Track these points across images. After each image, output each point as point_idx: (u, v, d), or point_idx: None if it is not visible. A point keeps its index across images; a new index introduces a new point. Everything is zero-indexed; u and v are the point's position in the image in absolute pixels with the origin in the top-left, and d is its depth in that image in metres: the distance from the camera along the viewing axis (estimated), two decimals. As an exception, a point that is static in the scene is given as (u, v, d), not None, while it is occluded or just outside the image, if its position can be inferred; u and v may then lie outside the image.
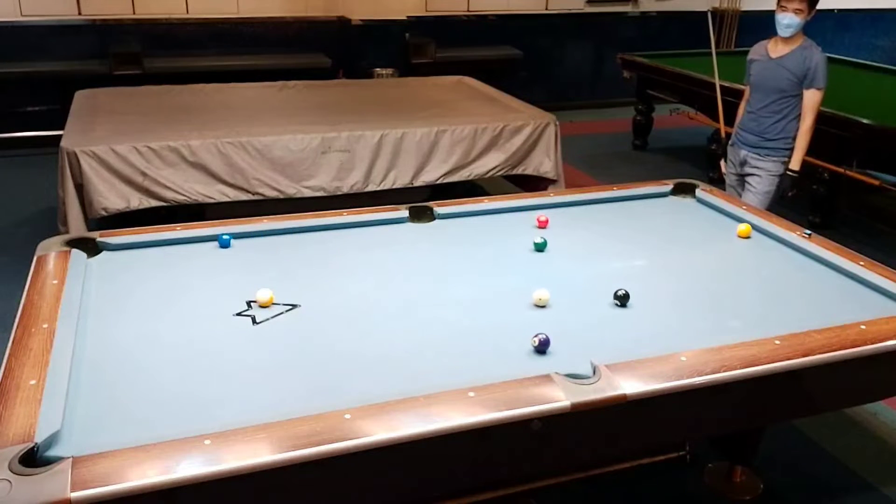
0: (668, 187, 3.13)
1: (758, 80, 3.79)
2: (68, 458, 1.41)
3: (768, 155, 3.76)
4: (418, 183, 4.34)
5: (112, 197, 3.80)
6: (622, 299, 2.15)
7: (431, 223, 2.77)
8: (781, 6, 3.56)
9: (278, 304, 2.12)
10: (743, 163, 3.87)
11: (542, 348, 1.88)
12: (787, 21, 3.55)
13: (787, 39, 3.63)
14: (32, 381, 1.65)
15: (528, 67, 7.80)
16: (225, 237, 2.50)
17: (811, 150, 3.79)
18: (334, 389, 1.72)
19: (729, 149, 4.01)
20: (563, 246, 2.58)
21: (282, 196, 4.07)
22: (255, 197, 4.04)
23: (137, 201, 3.85)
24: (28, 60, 6.30)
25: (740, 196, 3.82)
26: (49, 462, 1.41)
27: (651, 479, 2.65)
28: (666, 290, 2.26)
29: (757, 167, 3.80)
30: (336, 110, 4.77)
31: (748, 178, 3.86)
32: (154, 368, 1.82)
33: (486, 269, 2.40)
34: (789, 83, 3.65)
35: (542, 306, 2.13)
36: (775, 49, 3.71)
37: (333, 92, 5.42)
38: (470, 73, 5.94)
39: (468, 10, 7.74)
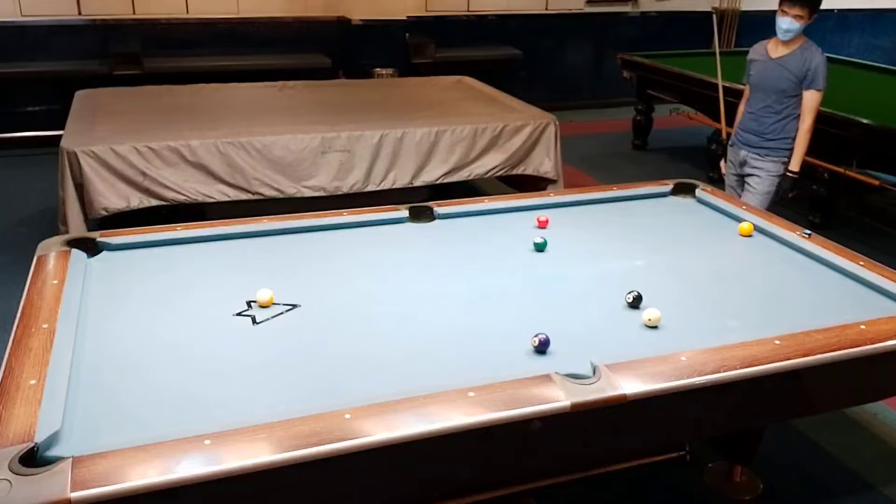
0: (668, 187, 3.13)
1: (758, 80, 3.79)
2: (68, 458, 1.41)
3: (768, 155, 3.76)
4: (418, 183, 4.33)
5: (112, 197, 3.80)
6: (636, 300, 2.14)
7: (431, 223, 2.77)
8: (782, 10, 3.57)
9: (278, 304, 2.12)
10: (743, 163, 3.87)
11: (542, 348, 1.88)
12: (787, 26, 3.56)
13: (787, 41, 3.64)
14: (32, 381, 1.65)
15: (528, 67, 7.80)
16: None
17: (811, 150, 3.79)
18: (334, 389, 1.73)
19: (729, 149, 4.01)
20: (563, 246, 2.58)
21: (282, 196, 4.07)
22: (255, 197, 4.04)
23: (137, 201, 3.85)
24: (28, 60, 6.30)
25: (740, 197, 3.82)
26: (49, 462, 1.41)
27: (651, 479, 2.65)
28: (666, 290, 2.26)
29: (757, 167, 3.80)
30: (336, 110, 4.76)
31: (748, 179, 3.86)
32: (154, 368, 1.82)
33: (486, 269, 2.40)
34: (789, 83, 3.65)
35: (654, 326, 2.05)
36: (775, 50, 3.72)
37: (333, 92, 5.42)
38: (470, 73, 5.93)
39: (468, 10, 7.74)
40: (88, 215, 3.81)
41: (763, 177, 3.78)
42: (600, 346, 1.89)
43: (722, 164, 4.12)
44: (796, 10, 3.52)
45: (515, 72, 7.61)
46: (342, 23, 7.14)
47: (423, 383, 1.69)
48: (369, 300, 2.19)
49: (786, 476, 2.75)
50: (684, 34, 8.13)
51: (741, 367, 1.80)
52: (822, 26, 7.97)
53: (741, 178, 3.93)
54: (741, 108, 3.97)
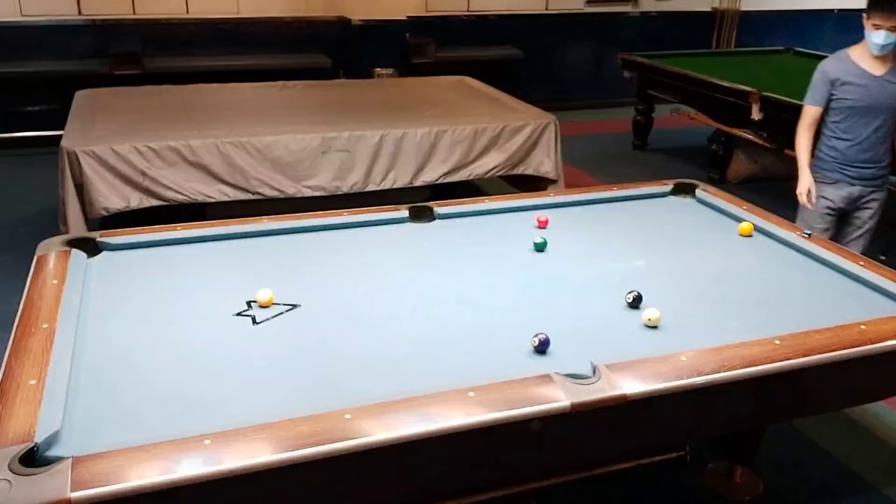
0: (668, 187, 3.13)
1: (864, 102, 3.35)
2: (68, 458, 1.41)
3: (884, 184, 3.48)
4: (418, 183, 4.34)
5: (112, 197, 3.80)
6: (636, 300, 2.13)
7: (431, 223, 2.77)
8: (875, 25, 3.24)
9: (278, 304, 2.12)
10: (854, 199, 3.47)
11: (542, 348, 1.88)
12: (884, 40, 3.25)
13: (884, 56, 3.33)
14: (32, 381, 1.65)
15: (528, 67, 7.79)
16: None
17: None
18: (334, 389, 1.72)
19: (824, 186, 3.48)
20: (563, 246, 2.58)
21: (282, 196, 4.07)
22: (255, 196, 4.04)
23: (137, 201, 3.86)
24: (28, 60, 6.30)
25: (837, 239, 3.41)
26: (49, 462, 1.41)
27: (651, 480, 2.65)
28: (666, 291, 2.26)
29: (874, 198, 3.49)
30: (336, 110, 4.77)
31: (858, 214, 3.51)
32: (154, 368, 1.82)
33: (486, 269, 2.40)
34: None
35: (654, 326, 2.04)
36: (875, 66, 3.35)
37: (333, 92, 5.42)
38: (470, 73, 5.93)
39: (468, 10, 7.75)
40: (88, 215, 3.82)
41: (875, 208, 3.49)
42: (600, 347, 1.89)
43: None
44: (893, 22, 3.19)
45: (515, 72, 7.61)
46: (342, 23, 7.14)
47: (423, 383, 1.69)
48: (369, 300, 2.19)
49: (786, 476, 2.75)
50: (684, 34, 8.13)
51: (741, 367, 1.80)
52: (822, 26, 7.97)
53: (840, 217, 3.53)
54: (807, 134, 3.47)
